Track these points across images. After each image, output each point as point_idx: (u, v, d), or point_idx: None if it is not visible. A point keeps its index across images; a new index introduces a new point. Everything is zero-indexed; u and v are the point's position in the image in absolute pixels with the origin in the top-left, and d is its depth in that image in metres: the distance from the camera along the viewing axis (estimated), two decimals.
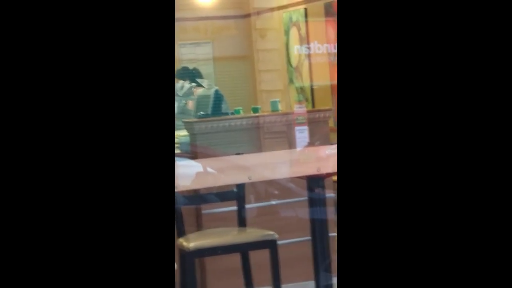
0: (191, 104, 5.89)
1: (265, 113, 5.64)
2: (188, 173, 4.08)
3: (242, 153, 4.43)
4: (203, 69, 6.95)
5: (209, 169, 4.21)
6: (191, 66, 6.48)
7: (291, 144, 5.20)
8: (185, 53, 7.55)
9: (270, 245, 4.12)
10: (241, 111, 5.67)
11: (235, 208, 4.41)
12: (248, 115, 5.60)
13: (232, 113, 5.56)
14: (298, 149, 4.59)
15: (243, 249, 4.23)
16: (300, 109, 5.31)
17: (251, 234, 4.24)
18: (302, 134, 4.90)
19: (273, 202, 5.09)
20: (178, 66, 7.29)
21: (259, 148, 5.35)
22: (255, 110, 5.65)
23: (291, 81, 7.62)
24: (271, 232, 4.16)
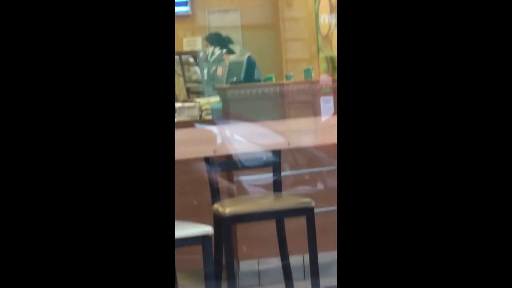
0: (221, 71, 5.83)
1: (297, 82, 5.58)
2: (221, 138, 4.04)
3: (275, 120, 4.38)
4: (231, 37, 6.89)
5: (242, 135, 4.16)
6: (223, 33, 6.42)
7: (315, 114, 5.15)
8: (213, 20, 7.49)
9: (307, 212, 4.07)
10: (273, 78, 5.60)
11: (270, 175, 4.36)
12: (281, 82, 5.53)
13: (265, 80, 5.50)
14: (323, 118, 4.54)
15: (280, 216, 4.18)
16: (326, 80, 5.25)
17: (288, 200, 4.19)
18: (327, 105, 4.85)
19: (307, 170, 5.04)
20: (206, 33, 7.24)
21: (285, 117, 5.29)
22: (289, 77, 5.59)
23: (319, 50, 7.55)
24: (308, 199, 4.11)
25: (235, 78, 5.35)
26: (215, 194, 4.16)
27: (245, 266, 5.07)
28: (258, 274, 5.08)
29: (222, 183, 4.34)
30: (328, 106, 4.87)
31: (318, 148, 4.71)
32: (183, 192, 4.80)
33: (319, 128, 4.49)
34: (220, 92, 5.28)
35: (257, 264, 5.08)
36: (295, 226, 4.18)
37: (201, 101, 5.56)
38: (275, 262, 4.35)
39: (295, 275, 4.51)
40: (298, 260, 4.80)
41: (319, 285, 4.13)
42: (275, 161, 4.30)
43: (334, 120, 4.35)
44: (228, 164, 4.41)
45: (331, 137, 4.09)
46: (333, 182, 4.86)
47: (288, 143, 3.87)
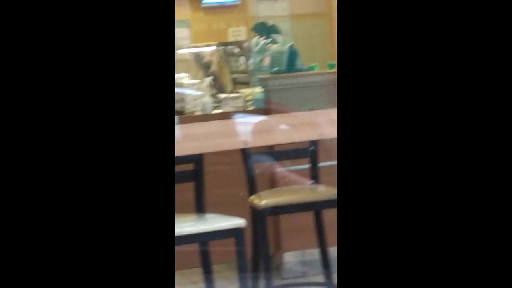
0: (267, 61, 5.79)
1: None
2: (260, 129, 4.01)
3: (315, 109, 4.32)
4: (280, 26, 6.84)
5: (282, 126, 4.13)
6: (269, 23, 6.38)
7: None
8: (262, 9, 7.45)
9: None
10: (316, 67, 5.55)
11: (308, 166, 4.32)
12: (323, 71, 5.48)
13: (307, 70, 5.45)
14: None
15: (316, 207, 4.15)
16: None
17: (324, 192, 4.15)
18: None
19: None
20: (254, 23, 7.21)
21: (334, 106, 5.23)
22: (331, 66, 5.53)
23: None
24: None
25: (277, 68, 5.31)
26: (252, 186, 4.14)
27: (290, 257, 5.06)
28: (303, 265, 5.06)
29: (260, 174, 4.31)
30: None
31: None
32: (220, 185, 4.81)
33: None
34: (262, 82, 5.26)
35: (301, 255, 5.06)
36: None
37: (246, 91, 5.55)
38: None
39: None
40: None
41: None
42: (312, 152, 4.26)
43: None
44: (264, 156, 4.39)
45: None
46: None
47: (320, 134, 3.82)
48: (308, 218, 4.28)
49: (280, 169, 4.80)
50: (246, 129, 3.94)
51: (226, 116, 4.94)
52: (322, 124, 3.79)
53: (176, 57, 5.98)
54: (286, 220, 4.90)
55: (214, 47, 6.68)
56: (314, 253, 4.64)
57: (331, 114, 4.10)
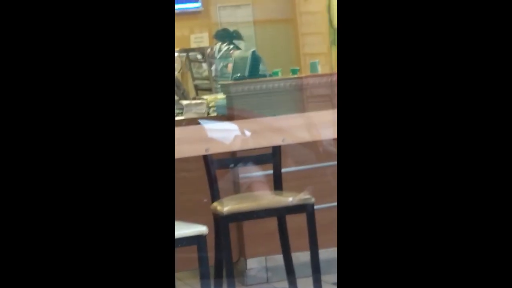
0: (230, 67, 5.79)
1: (304, 75, 5.52)
2: (223, 136, 3.99)
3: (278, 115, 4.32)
4: (243, 32, 6.85)
5: (245, 132, 4.11)
6: (232, 29, 6.37)
7: (334, 107, 5.08)
8: (224, 16, 7.45)
9: (306, 209, 4.02)
10: (279, 73, 5.55)
11: (271, 172, 4.32)
12: (286, 77, 5.48)
13: (271, 75, 5.44)
14: None
15: (279, 214, 4.14)
16: None
17: (287, 198, 4.14)
18: None
19: (311, 166, 4.98)
20: (217, 29, 7.20)
21: (301, 111, 5.24)
22: (294, 71, 5.53)
23: (333, 43, 7.48)
24: (308, 196, 4.06)
25: (239, 74, 5.30)
26: (214, 192, 4.13)
27: (253, 263, 5.04)
28: (266, 270, 5.04)
29: (222, 181, 4.30)
30: None
31: (318, 143, 4.67)
32: (184, 191, 4.78)
33: (326, 122, 4.43)
34: (224, 88, 5.25)
35: (265, 261, 5.05)
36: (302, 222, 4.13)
37: (209, 97, 5.54)
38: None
39: (304, 271, 4.47)
40: (306, 256, 4.75)
41: (320, 282, 4.09)
42: (274, 158, 4.26)
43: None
44: (227, 162, 4.38)
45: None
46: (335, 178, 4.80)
47: (283, 140, 3.81)
48: (271, 223, 4.28)
49: (243, 175, 4.79)
50: (209, 135, 3.92)
51: (189, 122, 4.92)
52: (285, 129, 3.78)
53: None
54: (249, 226, 4.89)
55: (176, 54, 6.67)
56: (277, 259, 4.64)
57: (295, 119, 4.10)
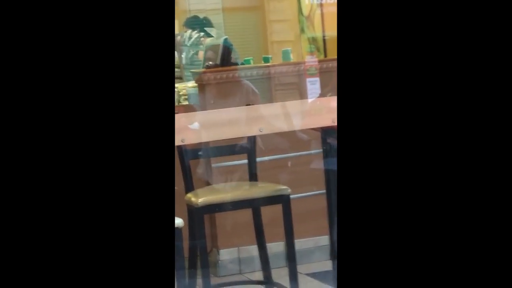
0: (201, 55, 5.71)
1: (276, 64, 5.47)
2: (196, 125, 3.92)
3: (251, 105, 4.25)
4: (212, 20, 6.77)
5: (218, 121, 4.04)
6: (201, 16, 6.29)
7: (302, 96, 5.04)
8: (193, 3, 7.35)
9: (282, 200, 3.96)
10: (251, 61, 5.49)
11: (246, 161, 4.25)
12: (258, 65, 5.42)
13: (242, 64, 5.38)
14: (310, 100, 4.44)
15: (254, 205, 4.07)
16: (311, 61, 5.13)
17: (263, 188, 4.08)
18: (313, 86, 4.75)
19: (286, 155, 4.93)
20: (186, 16, 7.11)
21: (270, 100, 5.19)
22: (266, 60, 5.48)
23: (302, 31, 7.43)
24: (284, 187, 4.00)
25: (210, 62, 5.23)
26: (189, 183, 4.05)
27: (226, 254, 4.99)
28: (239, 262, 5.00)
29: (196, 171, 4.23)
30: (314, 87, 4.77)
31: (295, 133, 4.62)
32: None
33: (300, 112, 4.38)
34: (195, 76, 5.17)
35: (237, 252, 5.00)
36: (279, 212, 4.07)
37: (179, 86, 5.46)
38: (257, 250, 4.25)
39: (277, 262, 4.42)
40: (280, 246, 4.71)
41: (296, 272, 4.04)
42: (249, 148, 4.19)
43: (320, 101, 4.25)
44: (202, 152, 4.31)
45: (315, 120, 3.98)
46: (316, 166, 4.77)
47: (260, 130, 3.75)
48: (244, 214, 4.21)
49: (217, 165, 4.73)
50: (181, 125, 3.84)
51: None
52: (262, 119, 3.72)
53: None
54: (222, 217, 4.83)
55: None
56: (250, 250, 4.59)
57: (267, 108, 4.04)
